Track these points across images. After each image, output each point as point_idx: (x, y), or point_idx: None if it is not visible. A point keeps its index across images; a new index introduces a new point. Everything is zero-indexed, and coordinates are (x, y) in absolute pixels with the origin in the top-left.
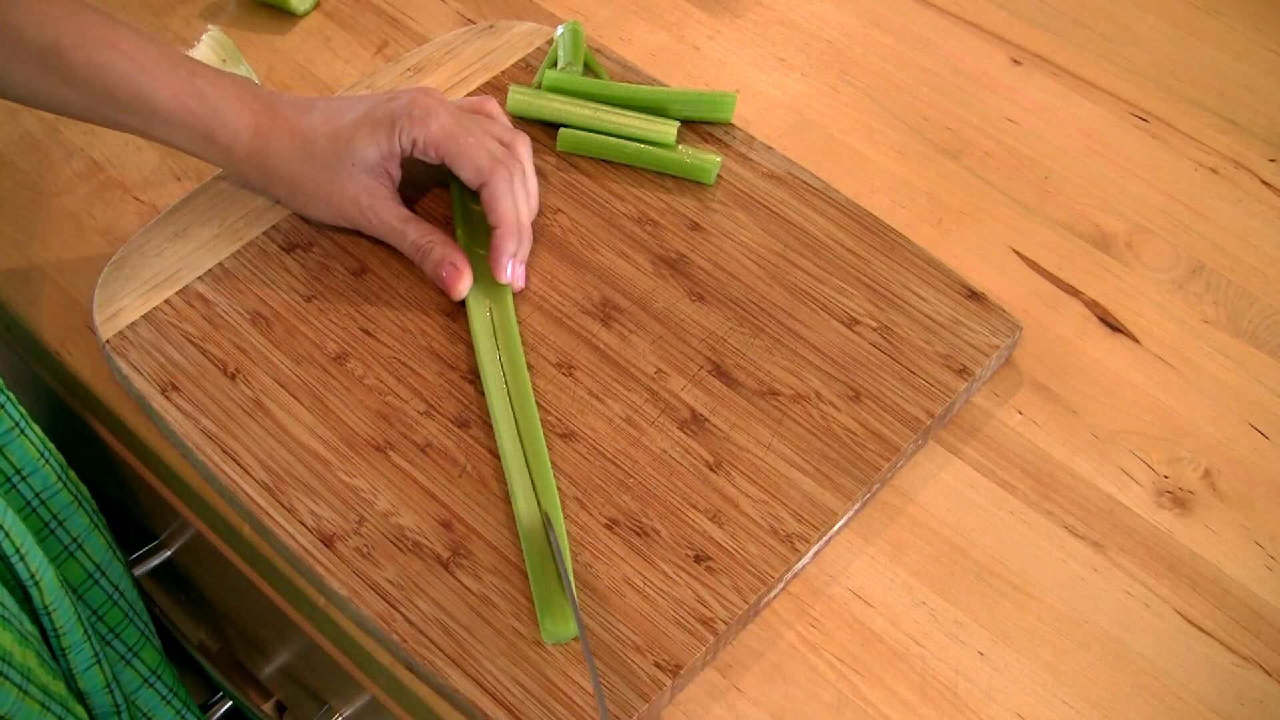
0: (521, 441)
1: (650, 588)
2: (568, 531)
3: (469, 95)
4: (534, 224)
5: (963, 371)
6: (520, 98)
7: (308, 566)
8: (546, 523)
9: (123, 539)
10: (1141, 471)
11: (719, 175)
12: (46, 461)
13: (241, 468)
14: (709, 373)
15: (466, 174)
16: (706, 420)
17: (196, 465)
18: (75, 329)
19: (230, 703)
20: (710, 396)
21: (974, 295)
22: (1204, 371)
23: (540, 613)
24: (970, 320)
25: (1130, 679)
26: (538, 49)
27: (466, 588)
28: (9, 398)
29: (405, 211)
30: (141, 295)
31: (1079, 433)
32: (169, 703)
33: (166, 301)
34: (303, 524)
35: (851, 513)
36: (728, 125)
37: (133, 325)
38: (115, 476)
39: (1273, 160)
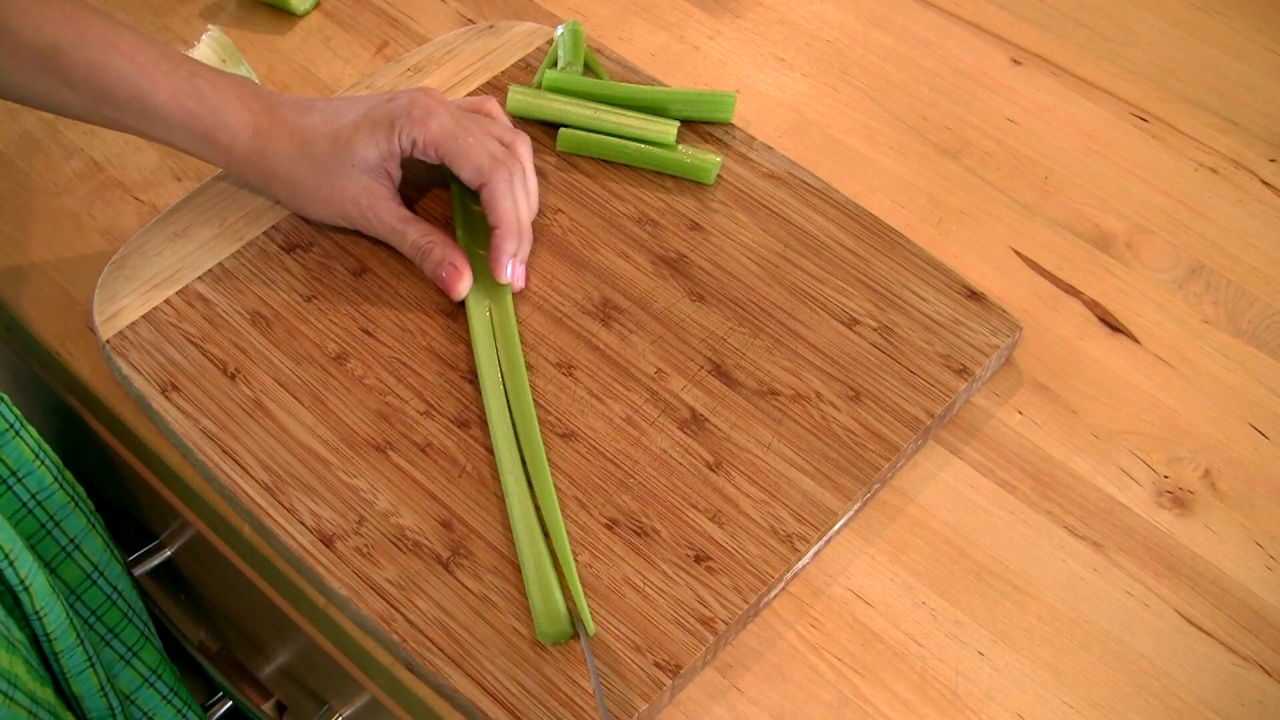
0: (519, 443)
1: (650, 588)
2: (568, 531)
3: (469, 95)
4: (534, 224)
5: (963, 371)
6: (520, 98)
7: (308, 566)
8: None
9: (122, 539)
10: (1141, 471)
11: (719, 175)
12: (42, 462)
13: (241, 468)
14: (709, 373)
15: (466, 174)
16: (706, 420)
17: (196, 465)
18: (75, 329)
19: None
20: (710, 396)
21: (974, 295)
22: (1204, 371)
23: (535, 613)
24: (970, 320)
25: (1130, 679)
26: (538, 49)
27: (466, 588)
28: (3, 399)
29: (405, 212)
30: (141, 295)
31: (1079, 433)
32: (169, 702)
33: (166, 301)
34: (303, 524)
35: (851, 513)
36: (728, 125)
37: (133, 325)
38: (115, 476)
39: (1273, 160)
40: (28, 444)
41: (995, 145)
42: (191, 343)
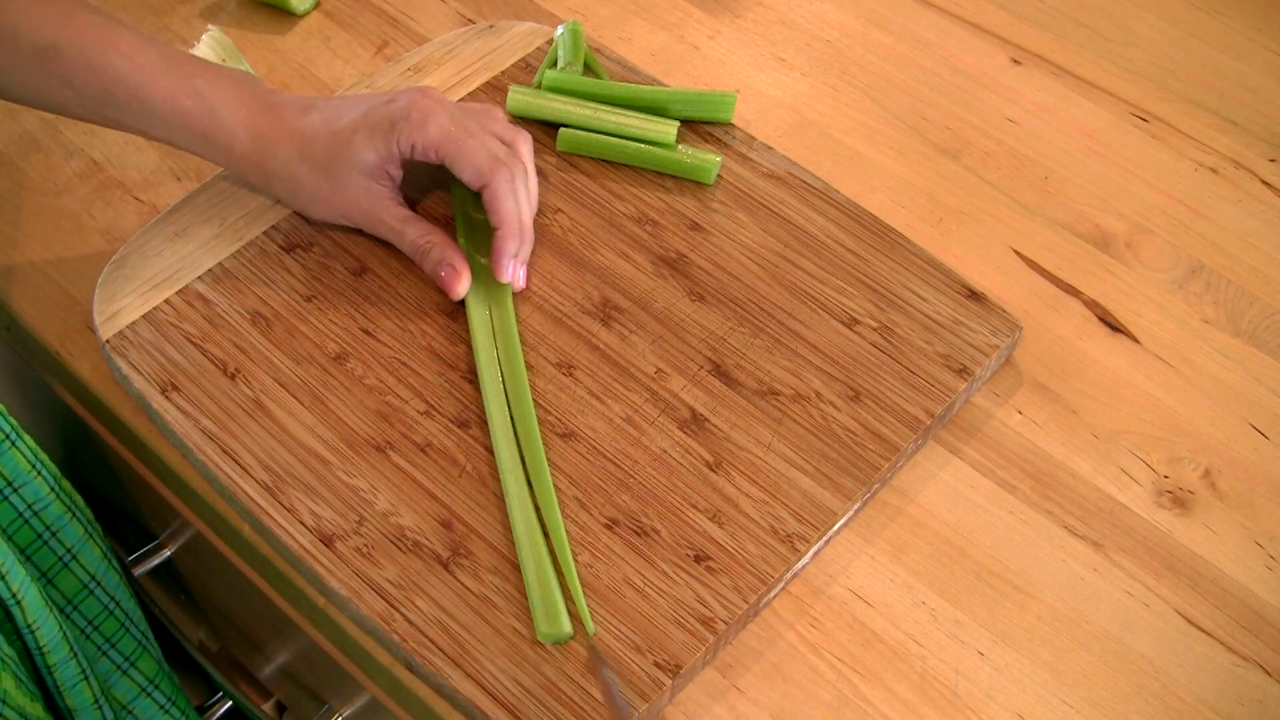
0: (519, 443)
1: (650, 588)
2: (567, 531)
3: (469, 95)
4: (534, 224)
5: (963, 371)
6: (520, 98)
7: (308, 566)
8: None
9: (122, 539)
10: (1141, 471)
11: (719, 175)
12: (39, 472)
13: (241, 468)
14: (709, 373)
15: (467, 176)
16: (706, 420)
17: (196, 465)
18: (75, 329)
19: (230, 703)
20: (710, 396)
21: (974, 295)
22: (1204, 371)
23: (535, 613)
24: (970, 320)
25: (1130, 679)
26: (538, 49)
27: (466, 588)
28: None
29: (405, 211)
30: (141, 295)
31: (1079, 433)
32: (167, 711)
33: (166, 301)
34: (303, 524)
35: (851, 513)
36: (728, 125)
37: (133, 325)
38: (115, 477)
39: (1273, 160)
40: (24, 454)
41: (995, 145)
42: (191, 343)
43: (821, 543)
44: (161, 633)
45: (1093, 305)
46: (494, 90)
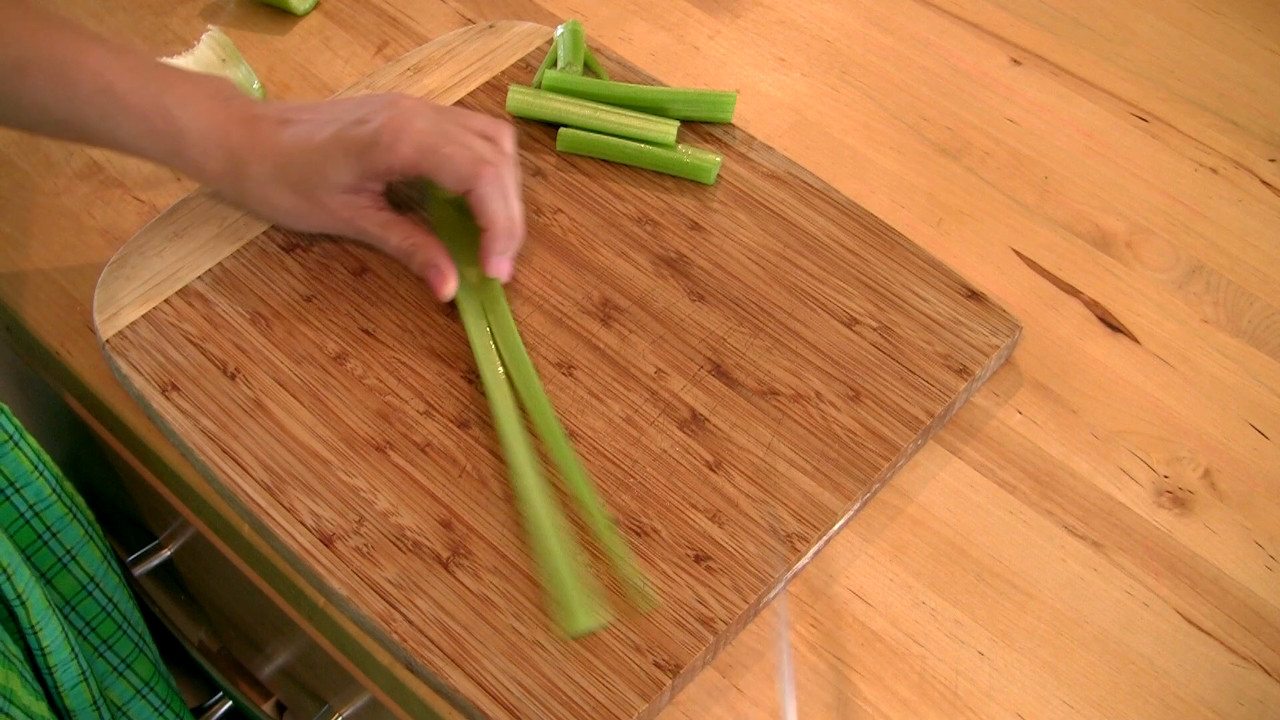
0: (538, 436)
1: (650, 587)
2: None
3: (469, 95)
4: (534, 224)
5: (963, 371)
6: (520, 98)
7: (308, 566)
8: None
9: (122, 539)
10: (1141, 471)
11: (719, 175)
12: (41, 473)
13: (241, 468)
14: (709, 373)
15: (450, 184)
16: (706, 420)
17: (196, 465)
18: (75, 329)
19: (230, 703)
20: (710, 396)
21: (974, 295)
22: (1204, 371)
23: (566, 607)
24: (970, 320)
25: (1130, 679)
26: (538, 49)
27: (466, 588)
28: (3, 410)
29: (387, 215)
30: (141, 295)
31: (1079, 433)
32: (162, 714)
33: (166, 301)
34: (303, 524)
35: (851, 513)
36: (728, 125)
37: (133, 325)
38: (115, 477)
39: (1273, 160)
40: (26, 455)
41: (995, 145)
42: (191, 343)
43: (821, 543)
44: (161, 633)
45: (1093, 305)
46: (494, 90)
